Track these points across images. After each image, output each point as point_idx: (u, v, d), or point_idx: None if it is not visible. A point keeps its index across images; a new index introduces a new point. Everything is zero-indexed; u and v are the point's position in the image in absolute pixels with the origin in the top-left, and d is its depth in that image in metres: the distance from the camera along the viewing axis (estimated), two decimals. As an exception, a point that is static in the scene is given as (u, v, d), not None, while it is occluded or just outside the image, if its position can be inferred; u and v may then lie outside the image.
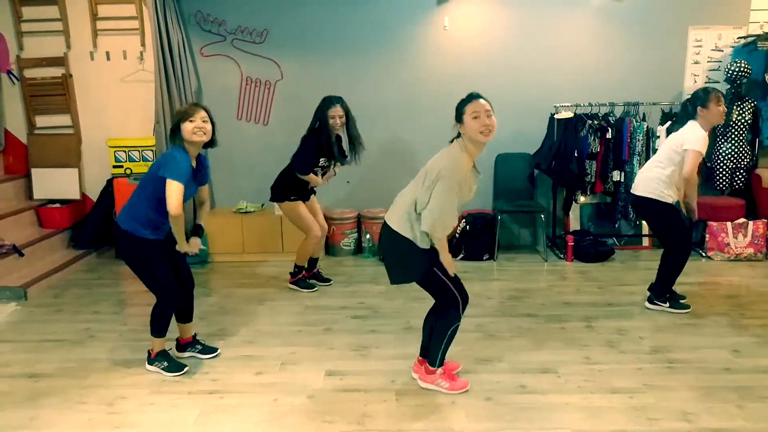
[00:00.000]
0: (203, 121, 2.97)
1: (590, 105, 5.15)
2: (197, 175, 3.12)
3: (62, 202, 5.51)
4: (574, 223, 5.47)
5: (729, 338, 3.51)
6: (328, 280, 4.64)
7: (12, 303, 4.30)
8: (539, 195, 5.56)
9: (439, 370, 2.95)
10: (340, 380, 3.09)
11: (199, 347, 3.40)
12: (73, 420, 2.78)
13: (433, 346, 2.94)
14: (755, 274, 4.71)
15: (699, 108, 3.73)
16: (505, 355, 3.34)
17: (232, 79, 5.43)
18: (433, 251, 2.79)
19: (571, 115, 5.03)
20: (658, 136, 5.04)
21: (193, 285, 3.34)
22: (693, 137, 3.67)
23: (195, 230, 3.31)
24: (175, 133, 3.00)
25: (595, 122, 5.07)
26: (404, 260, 2.83)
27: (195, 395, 2.97)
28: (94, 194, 5.59)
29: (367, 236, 5.32)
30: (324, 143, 4.19)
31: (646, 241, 5.42)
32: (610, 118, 5.11)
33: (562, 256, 5.20)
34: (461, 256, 5.17)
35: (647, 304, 3.97)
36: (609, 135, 5.03)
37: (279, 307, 4.18)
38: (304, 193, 4.39)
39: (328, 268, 5.09)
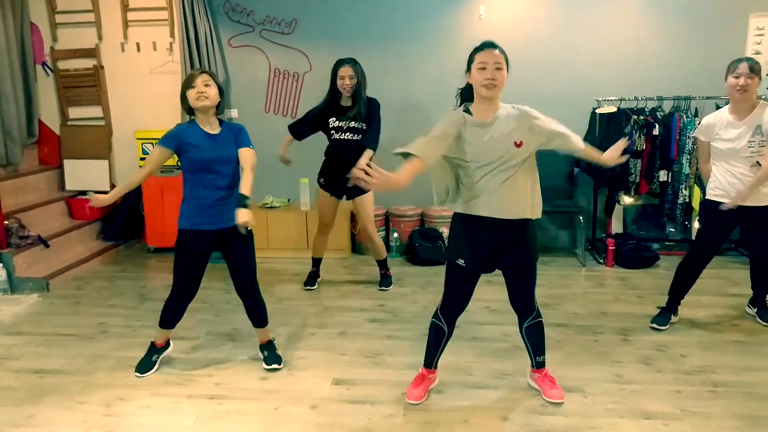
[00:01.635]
0: (205, 86, 2.84)
1: (636, 99, 4.78)
2: (218, 141, 2.91)
3: (93, 193, 5.52)
4: (617, 226, 5.11)
5: (784, 360, 3.15)
6: (388, 285, 4.37)
7: (34, 294, 4.30)
8: (579, 195, 5.22)
9: (422, 369, 2.86)
10: (347, 390, 2.91)
11: (265, 353, 3.19)
12: (70, 420, 2.69)
13: None
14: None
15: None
16: (529, 368, 3.07)
17: (261, 71, 5.31)
18: (459, 232, 2.60)
19: (614, 109, 4.67)
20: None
21: (249, 287, 3.07)
22: None
23: (239, 201, 2.87)
24: (185, 102, 2.90)
25: (641, 118, 4.69)
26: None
27: (195, 399, 2.85)
28: (125, 186, 5.57)
29: (395, 235, 5.11)
30: (327, 102, 3.98)
31: (695, 247, 5.00)
32: (658, 114, 4.73)
33: (601, 260, 4.86)
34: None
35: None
36: (656, 132, 4.64)
37: (296, 307, 4.03)
38: (330, 179, 4.08)
39: (354, 266, 4.93)
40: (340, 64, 3.96)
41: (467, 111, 2.54)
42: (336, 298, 4.19)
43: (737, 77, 3.19)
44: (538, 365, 2.85)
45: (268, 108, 5.38)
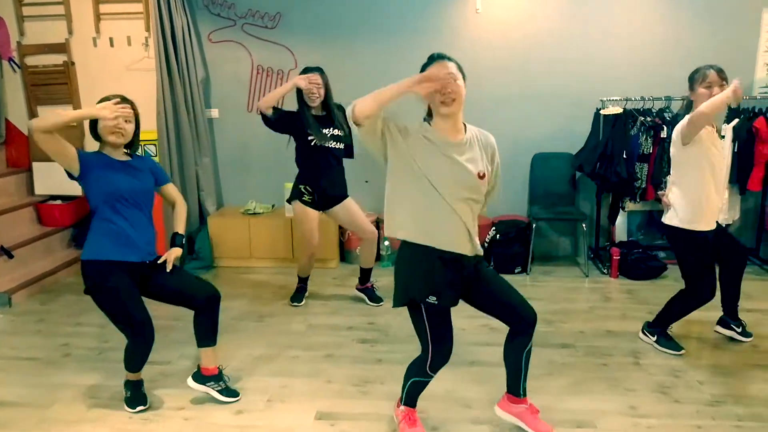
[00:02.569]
0: (126, 121, 2.56)
1: (643, 99, 4.49)
2: (135, 171, 2.65)
3: (64, 198, 5.18)
4: (621, 233, 4.83)
5: (812, 387, 2.87)
6: (379, 300, 4.03)
7: (-6, 311, 3.97)
8: (581, 200, 4.93)
9: (401, 408, 2.49)
10: (332, 426, 2.60)
11: (222, 386, 2.81)
12: (18, 465, 2.38)
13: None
14: (838, 300, 4.01)
15: (690, 93, 3.07)
16: (535, 398, 2.75)
17: (243, 68, 4.98)
18: (423, 270, 2.22)
19: (620, 110, 4.38)
20: (723, 136, 4.33)
21: (214, 292, 2.76)
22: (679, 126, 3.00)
23: (171, 240, 2.83)
24: (94, 129, 2.61)
25: (648, 119, 4.41)
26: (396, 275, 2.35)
27: (161, 439, 2.54)
28: (97, 190, 5.24)
29: (386, 243, 4.81)
30: (300, 115, 3.69)
31: (704, 256, 4.73)
32: (666, 115, 4.44)
33: (605, 271, 4.58)
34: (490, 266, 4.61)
35: (640, 334, 3.43)
36: (664, 134, 4.36)
37: (279, 324, 3.72)
38: (312, 193, 3.80)
39: (342, 278, 4.62)
40: (307, 71, 3.69)
41: (428, 122, 2.28)
42: (323, 314, 3.88)
43: (709, 87, 2.92)
44: (524, 392, 2.50)
45: (251, 107, 5.04)
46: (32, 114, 5.18)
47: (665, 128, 4.36)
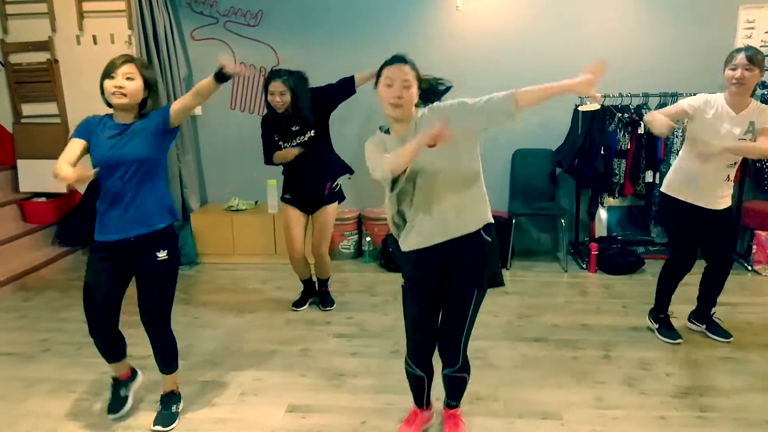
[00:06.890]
0: (126, 79, 2.32)
1: (620, 96, 4.53)
2: (149, 130, 2.42)
3: (49, 195, 5.20)
4: (600, 229, 4.87)
5: (777, 379, 2.93)
6: (329, 305, 3.95)
7: (-24, 307, 4.00)
8: (561, 196, 4.98)
9: (413, 407, 2.56)
10: (302, 418, 2.65)
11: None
12: (-9, 458, 2.42)
13: None
14: (810, 294, 4.06)
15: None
16: (503, 391, 2.83)
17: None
18: (409, 260, 2.26)
19: (598, 107, 4.42)
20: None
21: (147, 321, 2.57)
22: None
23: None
24: (103, 93, 2.39)
25: (626, 115, 4.45)
26: None
27: (134, 432, 2.58)
28: (82, 188, 5.25)
29: (368, 239, 4.84)
30: (270, 121, 3.56)
31: (682, 250, 4.79)
32: (644, 111, 4.48)
33: (584, 266, 4.63)
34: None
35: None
36: (641, 130, 4.41)
37: (258, 320, 3.76)
38: (294, 193, 3.70)
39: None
40: (268, 79, 3.47)
41: (386, 131, 2.27)
42: (303, 311, 3.92)
43: (734, 69, 2.95)
44: (450, 406, 2.52)
45: (234, 105, 5.08)
46: (17, 112, 5.20)
47: (642, 124, 4.40)
